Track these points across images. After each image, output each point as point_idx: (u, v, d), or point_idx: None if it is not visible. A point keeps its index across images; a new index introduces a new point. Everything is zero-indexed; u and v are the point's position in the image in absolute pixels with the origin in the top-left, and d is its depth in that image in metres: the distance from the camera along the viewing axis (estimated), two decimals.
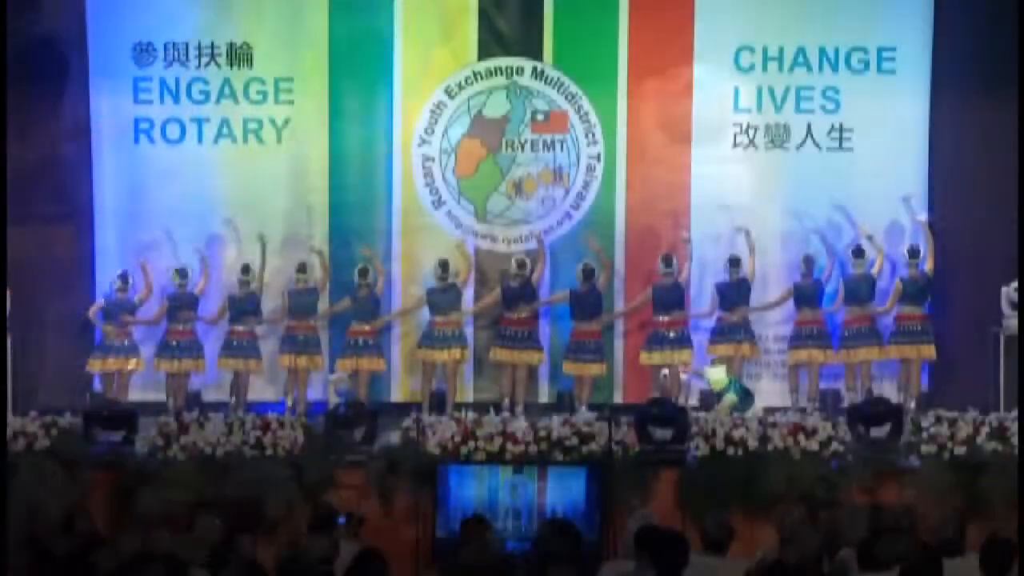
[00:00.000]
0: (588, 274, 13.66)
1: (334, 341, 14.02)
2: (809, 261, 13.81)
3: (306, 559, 6.88)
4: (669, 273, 13.73)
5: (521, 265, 13.74)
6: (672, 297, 13.77)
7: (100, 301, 13.79)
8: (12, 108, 12.65)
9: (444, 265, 13.74)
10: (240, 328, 13.68)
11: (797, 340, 13.79)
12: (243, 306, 13.68)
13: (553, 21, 14.12)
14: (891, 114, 14.12)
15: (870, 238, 13.83)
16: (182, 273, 13.73)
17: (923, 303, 13.71)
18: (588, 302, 13.70)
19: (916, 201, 14.02)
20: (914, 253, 13.70)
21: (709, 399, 13.34)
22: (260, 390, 13.91)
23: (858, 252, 13.73)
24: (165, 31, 14.07)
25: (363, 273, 13.72)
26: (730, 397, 12.90)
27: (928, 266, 13.74)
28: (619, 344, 14.22)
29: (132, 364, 13.62)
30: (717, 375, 13.23)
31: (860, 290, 13.73)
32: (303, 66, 14.14)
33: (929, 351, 13.65)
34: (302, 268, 13.76)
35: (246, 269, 13.69)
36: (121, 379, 13.59)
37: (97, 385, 13.84)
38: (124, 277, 13.69)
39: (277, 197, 14.23)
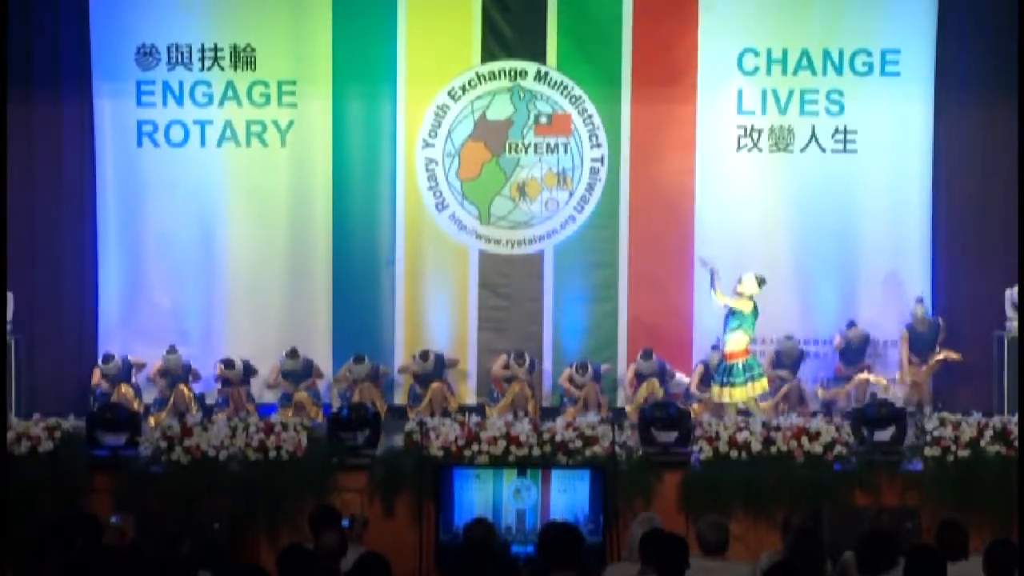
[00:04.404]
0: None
1: (336, 346, 14.07)
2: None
3: (311, 561, 6.86)
4: None
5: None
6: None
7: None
8: (14, 110, 12.69)
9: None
10: None
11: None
12: None
13: (557, 23, 14.12)
14: (895, 116, 14.12)
15: (921, 301, 13.84)
16: None
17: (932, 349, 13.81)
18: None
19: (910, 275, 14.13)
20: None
21: (715, 407, 13.35)
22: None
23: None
24: (168, 33, 14.06)
25: None
26: (750, 278, 12.80)
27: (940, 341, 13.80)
28: (622, 348, 14.22)
29: None
30: (749, 280, 12.87)
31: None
32: (306, 68, 14.13)
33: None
34: None
35: None
36: None
37: None
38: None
39: (280, 200, 14.23)
